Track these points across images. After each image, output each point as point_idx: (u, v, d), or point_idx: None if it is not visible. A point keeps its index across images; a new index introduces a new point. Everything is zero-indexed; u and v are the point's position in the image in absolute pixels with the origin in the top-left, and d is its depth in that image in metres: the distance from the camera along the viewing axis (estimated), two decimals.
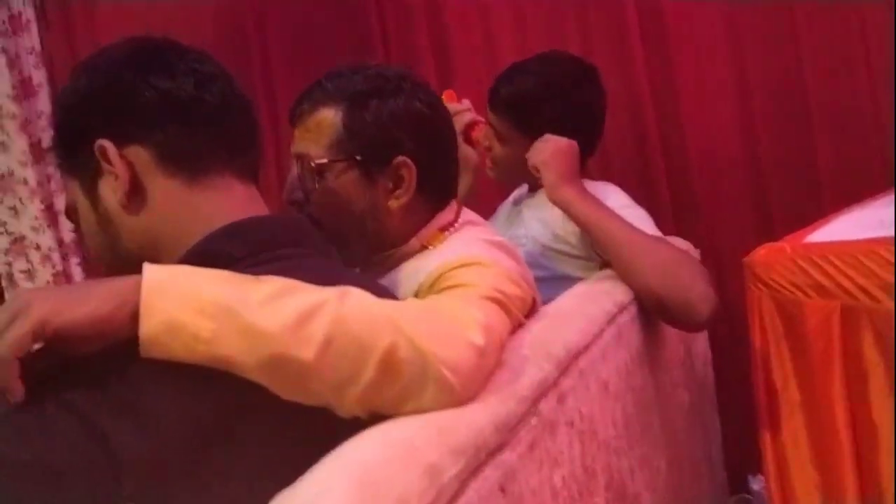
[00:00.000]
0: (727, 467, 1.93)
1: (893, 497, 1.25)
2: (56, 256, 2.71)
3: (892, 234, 1.25)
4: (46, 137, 2.70)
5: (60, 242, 2.74)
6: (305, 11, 2.52)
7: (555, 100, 1.59)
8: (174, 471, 0.67)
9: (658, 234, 1.43)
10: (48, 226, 2.70)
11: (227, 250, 0.81)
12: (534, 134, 1.54)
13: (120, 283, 0.70)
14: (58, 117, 0.89)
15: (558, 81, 1.62)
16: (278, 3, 2.55)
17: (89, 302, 0.67)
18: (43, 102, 2.70)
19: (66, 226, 2.73)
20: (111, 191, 0.85)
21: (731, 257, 1.87)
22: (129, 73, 0.84)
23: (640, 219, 1.45)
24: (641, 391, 1.26)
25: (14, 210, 2.74)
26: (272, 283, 0.72)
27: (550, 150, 1.45)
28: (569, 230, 1.54)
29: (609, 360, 1.11)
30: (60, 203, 2.72)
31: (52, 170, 2.71)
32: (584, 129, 1.62)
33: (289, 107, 1.18)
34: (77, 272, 2.73)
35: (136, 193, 0.84)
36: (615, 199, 1.52)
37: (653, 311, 1.34)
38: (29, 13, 2.67)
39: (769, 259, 1.39)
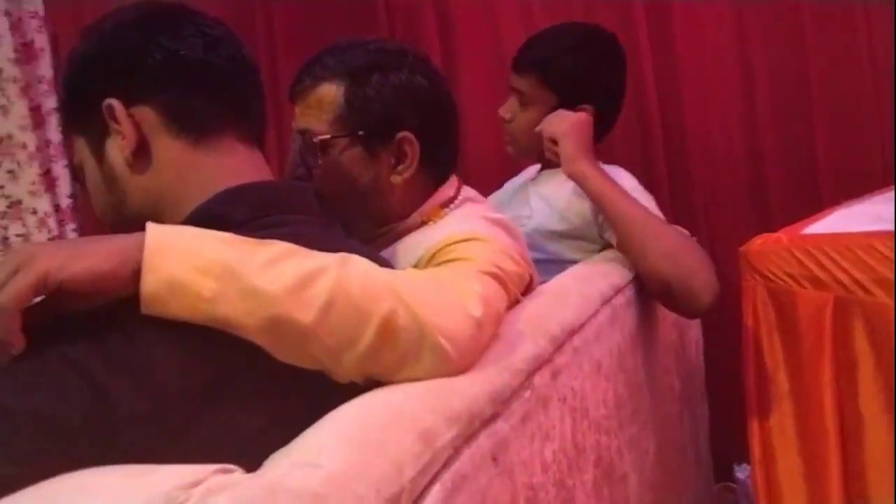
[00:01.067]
0: (713, 455, 1.94)
1: (878, 488, 1.27)
2: (52, 222, 2.71)
3: (889, 228, 1.26)
4: (47, 102, 2.69)
5: (57, 208, 2.73)
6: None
7: (591, 64, 1.60)
8: (171, 427, 0.68)
9: (664, 219, 1.44)
10: (45, 190, 2.69)
11: (229, 213, 0.82)
12: (564, 96, 1.55)
13: (123, 240, 0.70)
14: (67, 76, 0.90)
15: (599, 47, 1.64)
16: None
17: (92, 257, 0.68)
18: (44, 67, 2.68)
19: (62, 191, 2.72)
20: (118, 149, 0.85)
21: (728, 247, 1.88)
22: (138, 34, 0.85)
23: (647, 202, 1.46)
24: (633, 373, 1.27)
25: (12, 174, 2.73)
26: (274, 246, 0.72)
27: (570, 121, 1.45)
28: (574, 210, 1.54)
29: (603, 341, 1.12)
30: (58, 168, 2.71)
31: (51, 135, 2.70)
32: (610, 104, 1.63)
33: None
34: (72, 238, 2.73)
35: (142, 153, 0.85)
36: (626, 181, 1.53)
37: (656, 294, 1.35)
38: None
39: (765, 249, 1.40)
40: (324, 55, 1.15)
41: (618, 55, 1.66)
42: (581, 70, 1.58)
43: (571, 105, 1.54)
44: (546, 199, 1.61)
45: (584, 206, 1.51)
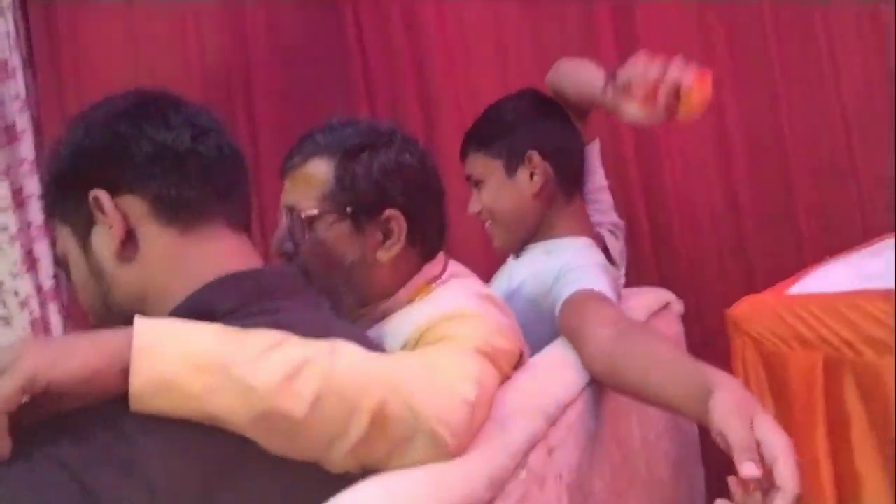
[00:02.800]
0: None
1: None
2: (34, 303, 2.68)
3: (874, 286, 1.27)
4: (29, 184, 2.69)
5: (39, 289, 2.71)
6: (290, 62, 2.54)
7: (515, 114, 1.58)
8: None
9: (612, 297, 1.30)
10: (27, 271, 2.68)
11: (217, 302, 0.81)
12: (505, 154, 1.52)
13: (110, 338, 0.69)
14: (52, 167, 0.89)
15: (523, 97, 1.62)
16: (265, 52, 2.57)
17: (80, 357, 0.67)
18: (26, 149, 2.69)
19: (45, 272, 2.71)
20: (105, 240, 0.85)
21: (714, 308, 1.89)
22: (125, 125, 0.85)
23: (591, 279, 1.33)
24: (627, 441, 1.26)
25: None
26: (262, 337, 0.72)
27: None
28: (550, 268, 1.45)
29: (596, 412, 1.12)
30: (40, 249, 2.70)
31: (32, 216, 2.70)
32: (556, 149, 1.56)
33: (272, 159, 1.19)
34: (55, 320, 2.70)
35: (129, 243, 0.84)
36: (595, 256, 1.46)
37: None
38: (16, 60, 2.68)
39: (752, 311, 1.41)
40: (315, 133, 1.16)
41: (544, 101, 1.61)
42: (506, 121, 1.57)
43: (517, 157, 1.52)
44: (527, 265, 1.58)
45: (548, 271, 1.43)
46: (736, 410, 0.86)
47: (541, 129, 1.56)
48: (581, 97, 1.53)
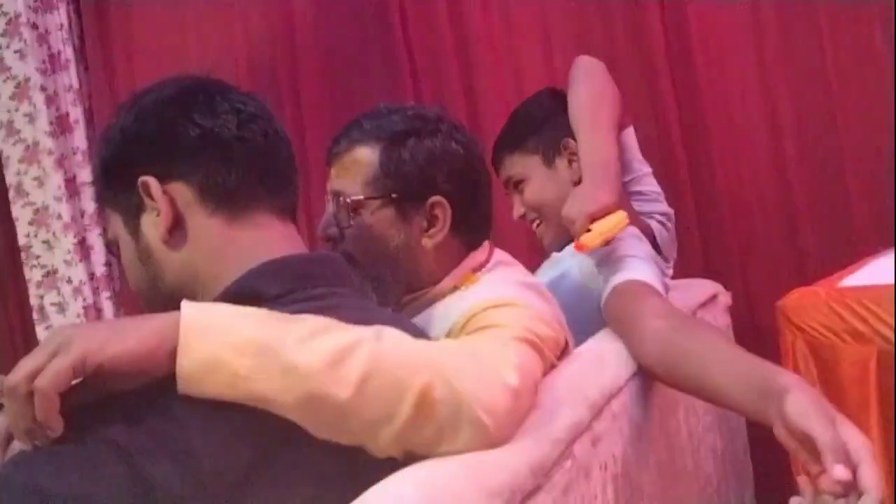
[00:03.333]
0: None
1: None
2: (87, 290, 2.75)
3: None
4: (81, 173, 2.75)
5: (92, 276, 2.77)
6: (337, 48, 2.55)
7: (549, 105, 1.58)
8: None
9: (660, 289, 1.28)
10: (80, 260, 2.74)
11: (263, 288, 0.82)
12: (543, 147, 1.53)
13: (159, 321, 0.70)
14: (102, 153, 0.90)
15: (547, 92, 1.64)
16: (311, 39, 2.58)
17: (129, 339, 0.68)
18: (79, 139, 2.75)
19: (97, 260, 2.77)
20: (153, 226, 0.86)
21: (763, 300, 1.86)
22: (173, 111, 0.86)
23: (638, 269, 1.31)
24: (675, 435, 1.24)
25: (48, 244, 2.79)
26: (309, 322, 0.72)
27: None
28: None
29: (642, 403, 1.10)
30: (93, 238, 2.76)
31: (86, 204, 2.76)
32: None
33: (318, 146, 1.19)
34: (107, 306, 2.76)
35: (177, 229, 0.85)
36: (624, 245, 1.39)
37: None
38: (68, 52, 2.74)
39: (803, 303, 1.38)
40: (362, 119, 1.17)
41: (564, 94, 1.55)
42: (534, 118, 1.57)
43: (553, 147, 1.52)
44: (572, 254, 1.55)
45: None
46: (819, 411, 0.85)
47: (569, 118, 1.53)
48: None
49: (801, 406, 0.86)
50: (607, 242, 1.29)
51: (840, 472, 0.79)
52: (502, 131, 1.64)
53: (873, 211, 2.02)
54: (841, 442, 0.81)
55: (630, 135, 1.63)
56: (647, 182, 1.65)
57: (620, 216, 1.28)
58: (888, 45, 1.94)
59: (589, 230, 1.27)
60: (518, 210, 1.59)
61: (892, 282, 1.33)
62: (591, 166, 1.37)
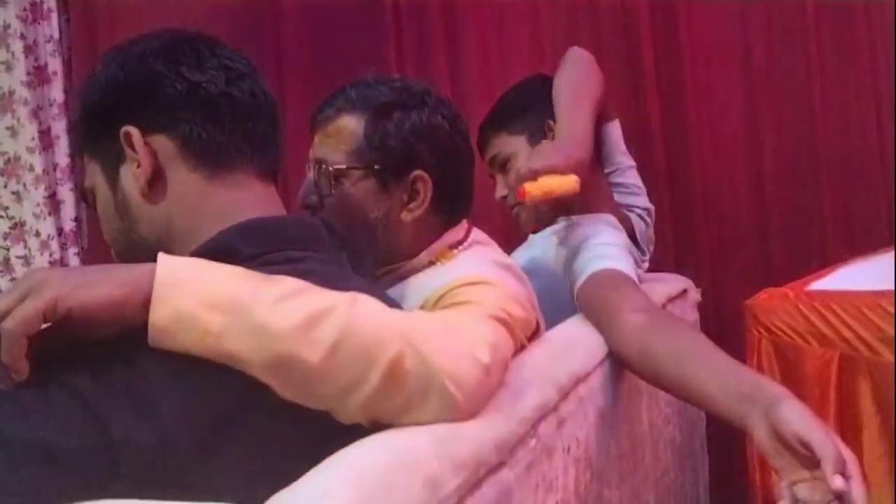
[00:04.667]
0: None
1: None
2: (55, 244, 2.70)
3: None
4: (57, 125, 2.70)
5: (60, 231, 2.73)
6: (323, 18, 2.53)
7: (533, 85, 1.60)
8: (171, 462, 0.66)
9: (633, 278, 1.29)
10: (49, 213, 2.69)
11: (240, 247, 0.81)
12: (529, 126, 1.52)
13: (134, 270, 0.70)
14: (84, 99, 0.89)
15: (530, 78, 1.65)
16: (296, 15, 2.55)
17: (102, 286, 0.67)
18: (56, 90, 2.70)
19: (67, 214, 2.72)
20: (132, 178, 0.84)
21: (731, 300, 1.88)
22: (160, 63, 0.84)
23: (614, 258, 1.32)
24: (636, 424, 1.26)
25: (17, 195, 2.74)
26: (284, 283, 0.72)
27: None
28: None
29: (608, 390, 1.11)
30: (64, 192, 2.71)
31: (59, 158, 2.71)
32: None
33: (299, 114, 1.18)
34: (75, 262, 2.72)
35: (156, 182, 0.84)
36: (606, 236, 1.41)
37: None
38: (50, 2, 2.68)
39: (771, 303, 1.40)
40: (348, 88, 1.16)
41: (551, 79, 1.55)
42: (522, 99, 1.58)
43: (539, 128, 1.52)
44: (548, 237, 1.56)
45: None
46: (817, 421, 0.89)
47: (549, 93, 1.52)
48: None
49: (799, 414, 0.90)
50: (549, 198, 1.28)
51: (840, 483, 0.82)
52: (490, 112, 1.64)
53: (846, 218, 2.05)
54: (841, 452, 0.85)
55: (616, 127, 1.64)
56: (630, 175, 1.66)
57: (571, 179, 1.27)
58: (888, 45, 1.96)
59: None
60: (501, 190, 1.59)
61: (861, 288, 1.35)
62: (561, 138, 1.37)
